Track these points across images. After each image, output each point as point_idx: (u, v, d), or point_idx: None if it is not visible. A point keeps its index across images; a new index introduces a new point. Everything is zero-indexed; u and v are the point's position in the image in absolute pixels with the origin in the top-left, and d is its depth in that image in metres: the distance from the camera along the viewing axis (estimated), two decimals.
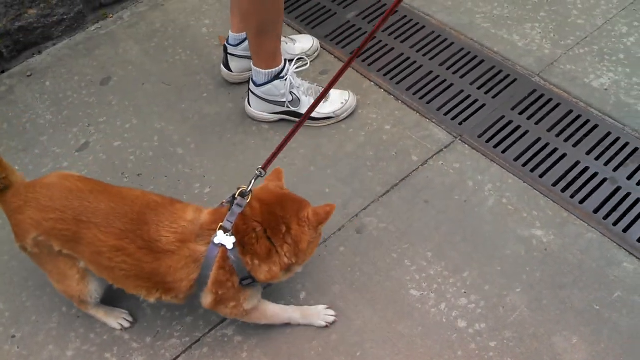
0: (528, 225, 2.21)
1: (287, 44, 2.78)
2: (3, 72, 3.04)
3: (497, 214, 2.25)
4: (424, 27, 2.99)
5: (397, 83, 2.74)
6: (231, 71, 2.76)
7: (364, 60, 2.85)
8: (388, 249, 2.18)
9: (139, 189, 1.94)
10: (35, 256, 1.86)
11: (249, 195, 1.76)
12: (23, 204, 1.78)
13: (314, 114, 2.54)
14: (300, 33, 3.01)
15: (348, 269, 2.15)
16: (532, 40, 2.87)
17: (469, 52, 2.84)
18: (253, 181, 1.80)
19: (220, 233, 1.71)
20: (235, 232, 1.72)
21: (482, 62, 2.79)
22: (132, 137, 2.67)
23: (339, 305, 2.06)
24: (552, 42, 2.84)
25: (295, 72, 2.56)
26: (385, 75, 2.78)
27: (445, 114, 2.59)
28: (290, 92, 2.53)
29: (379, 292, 2.08)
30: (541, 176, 2.36)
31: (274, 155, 1.89)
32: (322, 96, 1.87)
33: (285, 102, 2.54)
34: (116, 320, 2.05)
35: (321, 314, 2.02)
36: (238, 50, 2.69)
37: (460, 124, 2.55)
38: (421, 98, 2.67)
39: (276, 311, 2.00)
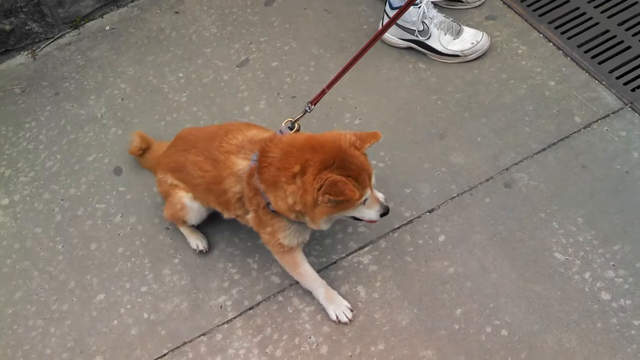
0: None
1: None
2: None
3: None
4: None
5: (569, 38, 2.59)
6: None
7: (535, 10, 2.72)
8: (536, 207, 2.13)
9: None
10: (165, 192, 2.16)
11: (295, 127, 1.87)
12: (157, 157, 2.20)
13: (440, 49, 2.54)
14: None
15: (491, 221, 2.13)
16: None
17: None
18: (302, 114, 1.94)
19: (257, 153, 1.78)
20: (259, 153, 1.75)
21: None
22: (290, 59, 2.74)
23: (477, 254, 2.06)
24: None
25: (432, 2, 2.55)
26: (556, 28, 2.64)
27: (618, 78, 2.44)
28: (422, 22, 2.50)
29: (520, 249, 2.06)
30: None
31: (337, 78, 1.98)
32: (378, 36, 2.04)
33: (415, 30, 2.53)
34: (195, 241, 2.20)
35: (341, 306, 1.98)
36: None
37: (633, 90, 2.39)
38: (593, 57, 2.52)
39: (308, 272, 1.98)
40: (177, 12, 3.03)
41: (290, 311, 2.04)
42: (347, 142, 1.69)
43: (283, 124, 1.91)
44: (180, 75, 2.78)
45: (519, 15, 2.72)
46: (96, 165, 2.51)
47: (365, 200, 1.71)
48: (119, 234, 2.30)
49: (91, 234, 2.32)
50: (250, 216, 1.90)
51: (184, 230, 2.22)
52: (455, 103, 2.47)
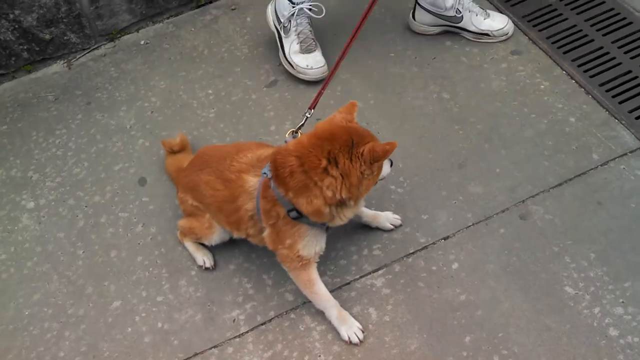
0: None
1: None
2: (211, 2, 3.28)
3: None
4: (631, 22, 2.82)
5: (591, 77, 2.63)
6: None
7: (559, 48, 2.76)
8: (550, 241, 2.16)
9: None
10: (188, 212, 2.22)
11: (298, 136, 1.92)
12: (179, 169, 2.31)
13: (472, 28, 2.79)
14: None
15: (505, 251, 2.16)
16: None
17: None
18: (303, 122, 2.05)
19: (268, 165, 1.84)
20: (272, 166, 1.80)
21: None
22: (317, 82, 2.80)
23: (489, 283, 2.09)
24: None
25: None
26: (579, 66, 2.68)
27: (637, 118, 2.47)
28: (457, 9, 2.74)
29: (532, 280, 2.08)
30: None
31: (332, 74, 2.15)
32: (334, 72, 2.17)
33: (448, 16, 2.75)
34: (202, 257, 2.25)
35: (353, 327, 2.00)
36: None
37: None
38: (614, 97, 2.55)
39: (321, 292, 2.00)
40: (212, 30, 3.12)
41: (302, 329, 2.08)
42: (343, 121, 1.81)
43: (287, 135, 2.01)
44: (210, 92, 2.86)
45: (543, 51, 2.77)
46: (122, 174, 2.59)
47: None
48: (139, 243, 2.36)
49: (112, 241, 2.39)
50: (266, 233, 1.94)
51: (190, 246, 2.27)
52: (477, 134, 2.51)
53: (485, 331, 1.98)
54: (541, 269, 2.10)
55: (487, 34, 2.79)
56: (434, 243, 2.22)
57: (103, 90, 2.94)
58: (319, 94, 2.14)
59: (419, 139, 2.53)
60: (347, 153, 1.73)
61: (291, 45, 2.76)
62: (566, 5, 2.95)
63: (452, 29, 2.85)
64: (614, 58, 2.70)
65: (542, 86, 2.63)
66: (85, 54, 3.13)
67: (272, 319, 2.12)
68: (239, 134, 2.65)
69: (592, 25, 2.85)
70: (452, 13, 2.77)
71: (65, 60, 3.12)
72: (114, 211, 2.48)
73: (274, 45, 2.95)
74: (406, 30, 2.93)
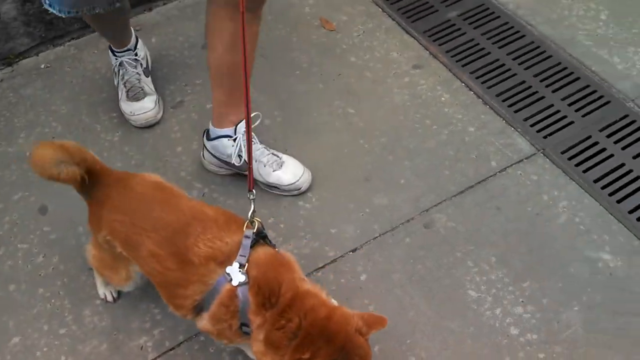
0: (597, 248, 2.20)
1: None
2: None
3: (568, 232, 2.25)
4: (524, 35, 2.97)
5: (488, 88, 2.75)
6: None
7: (458, 61, 2.87)
8: (453, 247, 2.22)
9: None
10: (97, 245, 1.91)
11: (253, 223, 1.70)
12: (104, 199, 1.82)
13: (260, 179, 2.39)
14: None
15: (410, 260, 2.20)
16: (633, 65, 2.81)
17: (565, 68, 2.81)
18: (252, 208, 1.74)
19: (235, 265, 1.61)
20: (265, 286, 1.60)
21: (577, 79, 2.76)
22: None
23: (395, 292, 2.12)
24: None
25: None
26: (477, 78, 2.80)
27: (532, 125, 2.59)
28: (239, 156, 2.35)
29: (437, 287, 2.13)
30: (619, 202, 2.33)
31: (251, 173, 1.84)
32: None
33: (232, 162, 2.38)
34: (104, 290, 2.15)
35: None
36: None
37: (545, 137, 2.54)
38: (510, 106, 2.67)
39: None
40: None
41: (212, 351, 2.05)
42: (353, 327, 1.59)
43: (245, 229, 1.70)
44: (114, 115, 2.79)
45: (443, 65, 2.87)
46: (21, 204, 2.48)
47: None
48: (40, 275, 2.27)
49: (11, 274, 2.28)
50: (202, 323, 1.75)
51: (98, 277, 2.16)
52: (381, 147, 2.56)
53: (394, 340, 2.01)
54: (445, 275, 2.15)
55: (276, 187, 2.40)
56: (342, 256, 2.24)
57: (0, 117, 2.82)
58: (250, 171, 1.85)
59: (326, 154, 2.56)
60: None
61: (120, 93, 2.73)
62: (464, 20, 3.07)
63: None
64: (509, 69, 2.83)
65: (443, 98, 2.72)
66: None
67: (181, 343, 2.07)
68: (145, 157, 2.60)
69: (488, 39, 2.98)
70: (234, 161, 2.35)
71: None
72: (13, 242, 2.37)
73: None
74: (311, 48, 2.97)
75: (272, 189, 2.40)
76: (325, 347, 1.55)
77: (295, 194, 2.41)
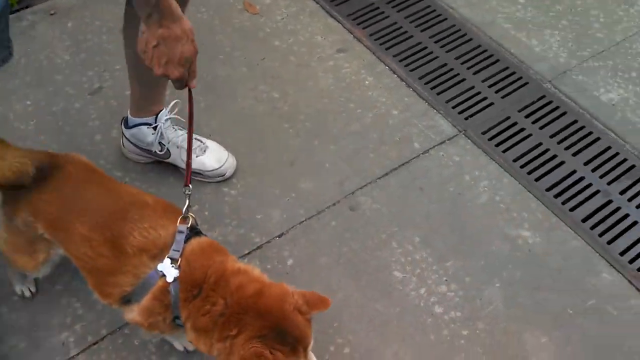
0: (516, 226, 2.27)
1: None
2: (27, 7, 3.07)
3: (488, 211, 2.31)
4: (445, 19, 3.02)
5: (411, 70, 2.78)
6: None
7: (381, 44, 2.89)
8: (378, 229, 2.24)
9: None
10: (12, 228, 1.76)
11: (189, 219, 1.64)
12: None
13: (182, 165, 2.30)
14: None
15: (337, 243, 2.21)
16: (550, 47, 2.90)
17: (485, 50, 2.87)
18: (187, 203, 1.68)
19: (166, 261, 1.56)
20: (190, 279, 1.57)
21: (497, 61, 2.83)
22: None
23: (322, 275, 2.13)
24: (569, 52, 2.88)
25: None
26: (400, 61, 2.82)
27: (453, 107, 2.64)
28: (159, 143, 2.31)
29: (363, 269, 2.15)
30: (537, 180, 2.41)
31: (189, 168, 1.77)
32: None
33: (152, 151, 2.34)
34: (22, 286, 2.05)
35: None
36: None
37: (466, 118, 2.60)
38: (432, 88, 2.71)
39: None
40: (29, 37, 2.92)
41: (137, 344, 1.99)
42: (292, 305, 1.53)
43: (179, 224, 1.63)
44: (28, 102, 2.67)
45: (367, 48, 2.88)
46: None
47: None
48: None
49: None
50: (132, 315, 1.68)
51: (13, 274, 2.03)
52: (306, 131, 2.55)
53: (321, 323, 2.01)
54: (371, 257, 2.17)
55: (199, 173, 2.34)
56: (268, 242, 2.22)
57: None
58: (189, 165, 1.77)
59: (251, 138, 2.52)
60: (249, 337, 1.49)
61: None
62: (387, 3, 3.09)
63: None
64: (431, 52, 2.87)
65: (367, 82, 2.73)
66: None
67: (105, 337, 2.01)
68: (61, 146, 2.49)
69: (411, 22, 3.01)
70: (155, 149, 2.30)
71: None
72: None
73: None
74: (235, 32, 2.92)
75: (195, 175, 2.34)
76: (253, 323, 1.50)
77: (220, 179, 2.37)
